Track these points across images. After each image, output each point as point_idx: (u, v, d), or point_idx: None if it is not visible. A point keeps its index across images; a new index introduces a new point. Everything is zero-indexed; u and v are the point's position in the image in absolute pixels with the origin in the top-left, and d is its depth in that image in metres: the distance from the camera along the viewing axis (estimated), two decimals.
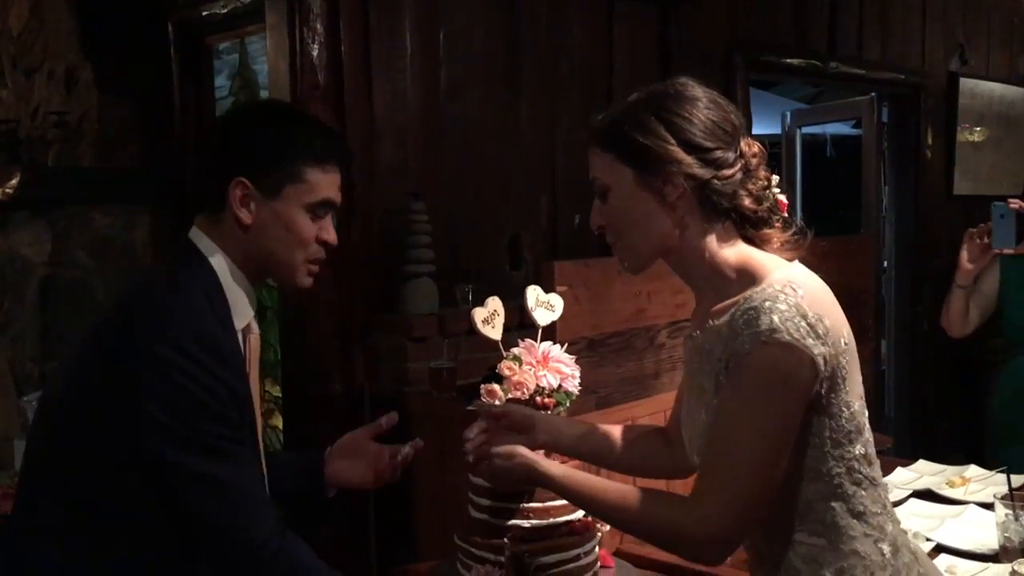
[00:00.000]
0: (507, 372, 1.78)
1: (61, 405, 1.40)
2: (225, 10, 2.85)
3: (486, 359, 2.09)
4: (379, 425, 1.73)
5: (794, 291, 1.24)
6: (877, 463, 1.36)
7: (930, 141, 4.61)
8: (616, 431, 1.62)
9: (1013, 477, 2.19)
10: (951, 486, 2.45)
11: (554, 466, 1.41)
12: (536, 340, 1.86)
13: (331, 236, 1.51)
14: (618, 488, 1.34)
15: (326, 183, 1.48)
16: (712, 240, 1.32)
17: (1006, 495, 2.07)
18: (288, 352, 2.72)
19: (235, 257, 1.46)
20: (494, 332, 1.85)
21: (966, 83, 4.74)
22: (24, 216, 3.26)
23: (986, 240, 2.57)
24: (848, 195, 5.07)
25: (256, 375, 1.51)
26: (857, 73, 4.19)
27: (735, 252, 1.32)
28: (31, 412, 2.36)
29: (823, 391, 1.26)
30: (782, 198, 1.37)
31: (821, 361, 1.23)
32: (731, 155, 1.31)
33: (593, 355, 2.32)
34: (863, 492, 1.32)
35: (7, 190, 3.08)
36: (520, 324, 2.12)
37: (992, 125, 4.91)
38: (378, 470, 1.69)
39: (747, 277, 1.30)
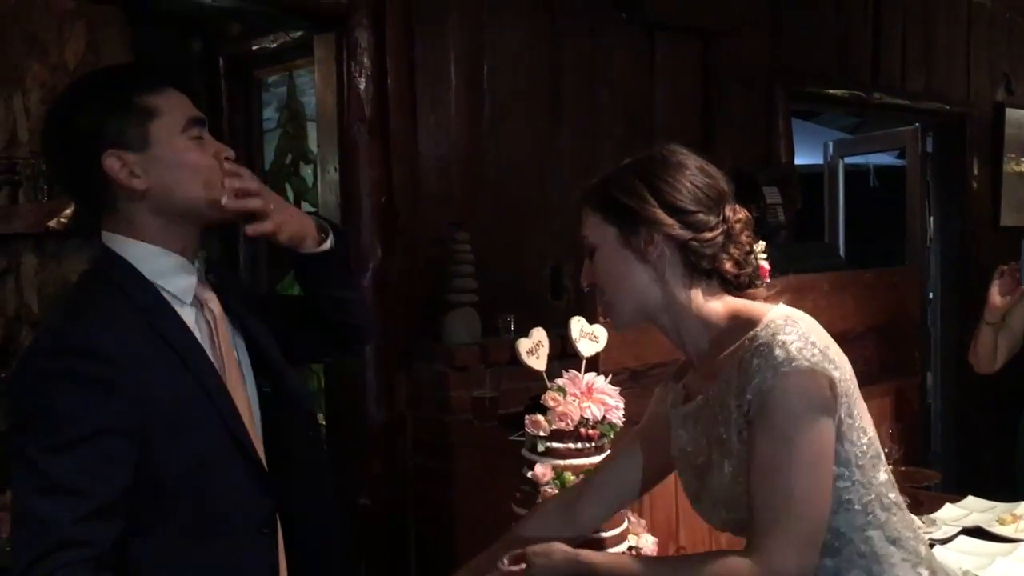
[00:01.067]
0: (551, 403, 1.79)
1: None
2: (274, 44, 2.92)
3: (528, 389, 2.10)
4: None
5: (796, 324, 1.28)
6: (896, 489, 1.38)
7: (975, 171, 4.56)
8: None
9: None
10: (1002, 523, 2.41)
11: (595, 554, 1.43)
12: (579, 371, 1.87)
13: (225, 149, 1.37)
14: (665, 560, 1.36)
15: (179, 102, 1.35)
16: (697, 295, 1.37)
17: None
18: (331, 379, 2.74)
19: (149, 233, 1.34)
20: (538, 363, 1.86)
21: (1012, 113, 4.69)
22: (77, 244, 3.34)
23: (1016, 277, 2.55)
24: (892, 226, 5.03)
25: (226, 343, 1.41)
26: (901, 103, 4.17)
27: (722, 303, 1.37)
28: None
29: (842, 415, 1.29)
30: (765, 264, 1.41)
31: (840, 382, 1.27)
32: (713, 219, 1.35)
33: (636, 386, 2.31)
34: (895, 517, 1.33)
35: (61, 219, 3.16)
36: (562, 354, 2.13)
37: None
38: None
39: (743, 322, 1.33)
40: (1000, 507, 2.53)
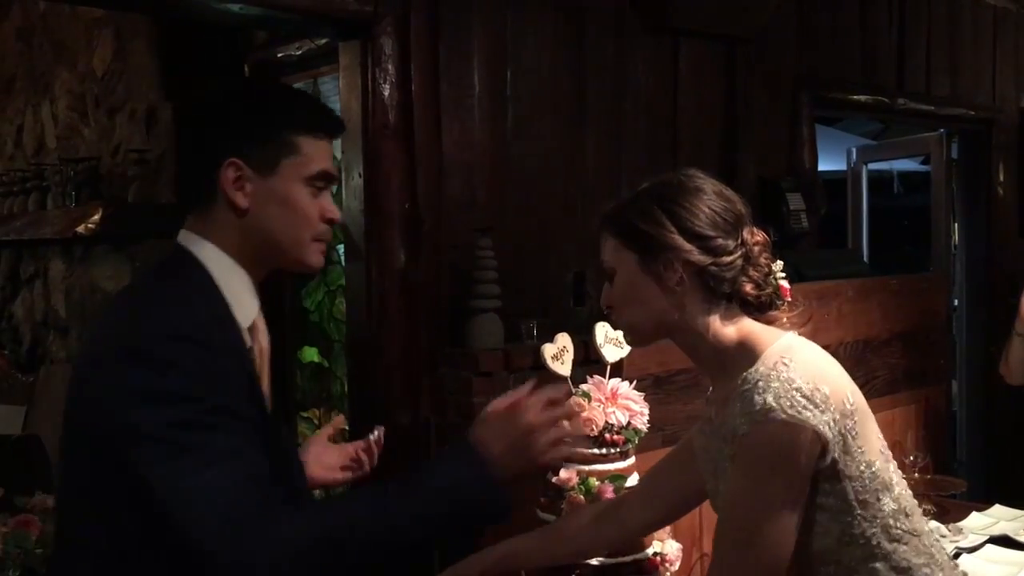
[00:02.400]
0: (576, 408, 1.79)
1: (66, 428, 1.34)
2: (300, 51, 2.94)
3: None
4: (369, 443, 1.70)
5: (786, 366, 1.30)
6: (916, 513, 1.37)
7: (1001, 178, 4.53)
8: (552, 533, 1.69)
9: None
10: None
11: None
12: (604, 376, 1.87)
13: (334, 212, 1.40)
14: None
15: (322, 153, 1.37)
16: (714, 320, 1.38)
17: None
18: (355, 385, 2.76)
19: (232, 250, 1.34)
20: (563, 368, 1.86)
21: None
22: (105, 250, 3.38)
23: None
24: (916, 232, 4.99)
25: (267, 382, 1.41)
26: (925, 109, 4.14)
27: (736, 329, 1.38)
28: None
29: (836, 456, 1.29)
30: (785, 284, 1.43)
31: (825, 429, 1.27)
32: (731, 243, 1.38)
33: (660, 392, 2.31)
34: (904, 547, 1.33)
35: (89, 225, 3.20)
36: (585, 360, 2.13)
37: None
38: (351, 455, 1.67)
39: (746, 352, 1.36)
40: None
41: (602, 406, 1.80)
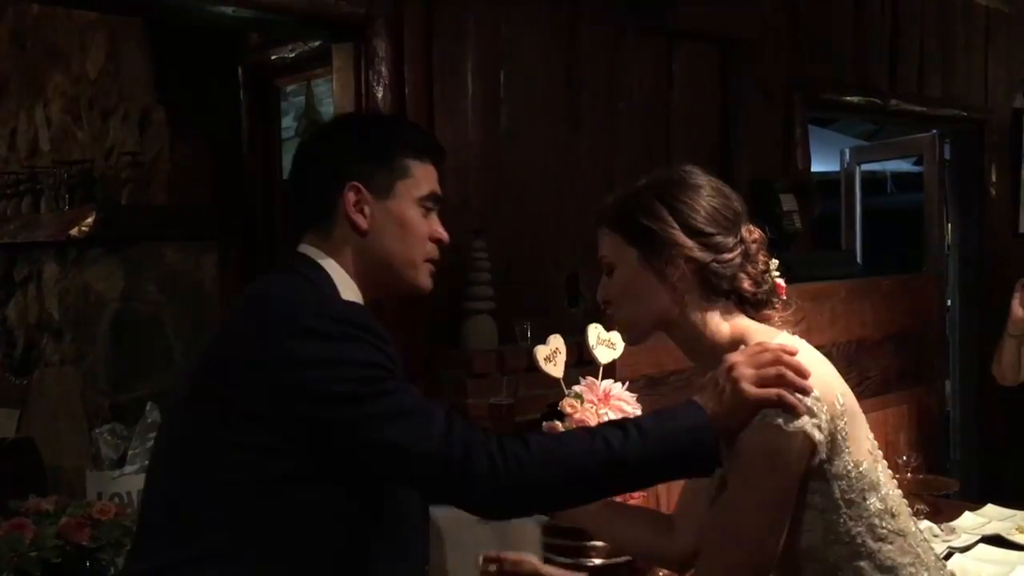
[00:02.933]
0: (569, 410, 1.80)
1: (198, 432, 1.34)
2: (293, 54, 2.94)
3: (544, 396, 2.11)
4: None
5: None
6: (904, 513, 1.38)
7: (994, 178, 4.54)
8: (624, 513, 1.67)
9: None
10: (1021, 532, 2.40)
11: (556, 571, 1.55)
12: (597, 378, 1.88)
13: (443, 233, 1.51)
14: None
15: (430, 176, 1.50)
16: (713, 316, 1.39)
17: None
18: None
19: (349, 269, 1.44)
20: (556, 370, 1.87)
21: None
22: (98, 253, 3.38)
23: None
24: (909, 233, 5.01)
25: None
26: (918, 110, 4.15)
27: (731, 326, 1.39)
28: (103, 444, 2.42)
29: (825, 457, 1.30)
30: (780, 282, 1.44)
31: (816, 432, 1.28)
32: (731, 240, 1.38)
33: (653, 393, 2.32)
34: (889, 546, 1.34)
35: (83, 228, 3.20)
36: (578, 361, 2.14)
37: None
38: None
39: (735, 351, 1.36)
40: (1020, 515, 2.53)
41: (595, 407, 1.80)
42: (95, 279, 3.36)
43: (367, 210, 1.43)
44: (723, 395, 1.29)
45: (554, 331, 2.01)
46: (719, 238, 1.38)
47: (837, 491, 1.31)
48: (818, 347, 2.06)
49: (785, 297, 1.45)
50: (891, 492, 1.37)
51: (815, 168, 3.73)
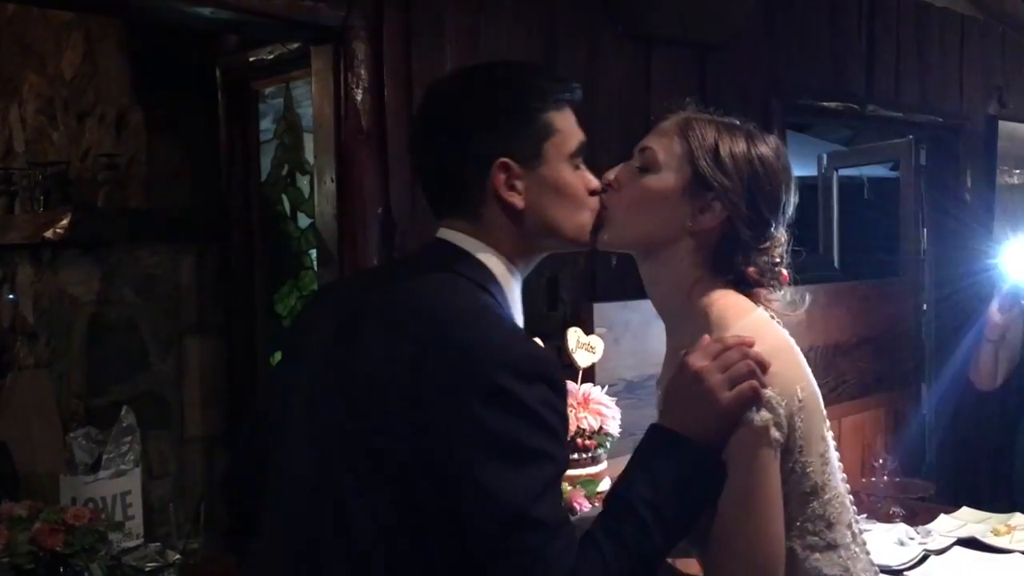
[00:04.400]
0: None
1: (352, 471, 1.13)
2: (271, 56, 2.93)
3: None
4: None
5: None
6: (841, 524, 1.31)
7: (969, 184, 4.59)
8: None
9: None
10: (996, 534, 2.42)
11: None
12: (576, 381, 1.88)
13: (597, 181, 1.34)
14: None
15: (573, 124, 1.32)
16: (703, 276, 1.33)
17: None
18: None
19: (509, 252, 1.27)
20: None
21: (1005, 126, 4.71)
22: (73, 255, 3.34)
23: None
24: (886, 238, 5.05)
25: None
26: (894, 116, 4.19)
27: (712, 297, 1.32)
28: (77, 448, 2.40)
29: (777, 455, 1.24)
30: (785, 272, 1.39)
31: (775, 430, 1.22)
32: (771, 231, 1.35)
33: (632, 397, 2.32)
34: (816, 555, 1.29)
35: (58, 230, 3.17)
36: (559, 364, 2.14)
37: None
38: None
39: (714, 318, 1.30)
40: (995, 518, 2.55)
41: (574, 411, 1.80)
42: (70, 282, 3.32)
43: (519, 185, 1.24)
44: (697, 409, 1.18)
45: (533, 334, 2.01)
46: (767, 226, 1.34)
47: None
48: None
49: (785, 286, 1.39)
50: (834, 500, 1.30)
51: (794, 173, 3.75)
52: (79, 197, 3.44)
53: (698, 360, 1.21)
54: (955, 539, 2.38)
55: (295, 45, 2.77)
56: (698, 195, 1.31)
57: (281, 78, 3.13)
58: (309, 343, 1.27)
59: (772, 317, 1.35)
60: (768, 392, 1.22)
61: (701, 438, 1.18)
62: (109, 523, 2.15)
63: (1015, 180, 4.80)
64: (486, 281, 1.23)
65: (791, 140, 3.74)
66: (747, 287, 1.35)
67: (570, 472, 1.80)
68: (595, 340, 1.94)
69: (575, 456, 1.79)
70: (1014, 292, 2.59)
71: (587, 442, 1.79)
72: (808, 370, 1.32)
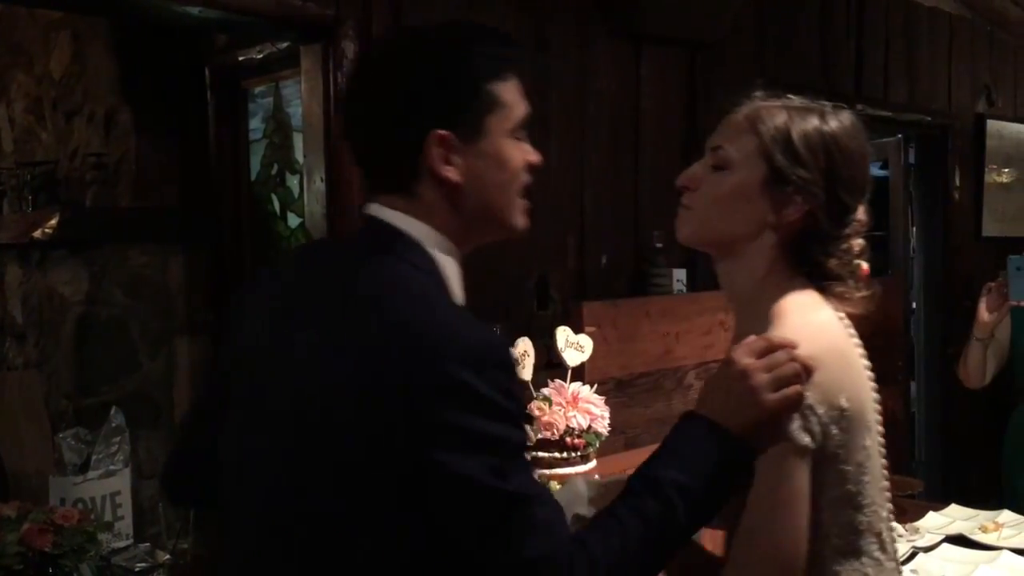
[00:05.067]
0: (537, 412, 1.80)
1: (314, 454, 1.11)
2: (261, 55, 2.92)
3: None
4: None
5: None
6: (870, 533, 1.30)
7: (958, 182, 4.61)
8: None
9: None
10: (984, 531, 2.43)
11: None
12: (565, 380, 1.88)
13: (537, 154, 1.24)
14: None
15: (519, 95, 1.21)
16: (779, 270, 1.29)
17: None
18: None
19: (446, 231, 1.19)
20: (524, 372, 1.87)
21: (993, 125, 4.73)
22: (62, 255, 3.34)
23: (1003, 292, 2.59)
24: (874, 236, 5.06)
25: None
26: (883, 115, 4.20)
27: (788, 289, 1.28)
28: (66, 449, 2.39)
29: (818, 460, 1.22)
30: (865, 266, 1.34)
31: (803, 437, 1.19)
32: (852, 217, 1.30)
33: (622, 396, 2.33)
34: (840, 560, 1.28)
35: (46, 230, 3.16)
36: (547, 364, 2.14)
37: (1020, 166, 4.89)
38: None
39: (777, 312, 1.26)
40: (983, 515, 2.56)
41: (563, 410, 1.80)
42: (59, 282, 3.31)
43: (457, 160, 1.15)
44: (740, 406, 1.14)
45: (523, 334, 2.01)
46: (848, 212, 1.29)
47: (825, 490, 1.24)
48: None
49: (863, 282, 1.33)
50: (867, 507, 1.28)
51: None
52: (68, 197, 3.43)
53: (744, 356, 1.16)
54: (943, 536, 2.39)
55: (284, 44, 2.76)
56: (777, 190, 1.27)
57: (270, 77, 3.12)
58: (249, 335, 1.23)
59: (841, 318, 1.31)
60: (806, 396, 1.18)
61: (739, 434, 1.13)
62: (98, 524, 2.14)
63: (1003, 178, 4.83)
64: (426, 263, 1.16)
65: None
66: (823, 281, 1.30)
67: (560, 471, 1.80)
68: (584, 339, 1.94)
69: (565, 455, 1.79)
70: (1003, 290, 2.60)
71: (576, 441, 1.79)
72: (861, 378, 1.28)
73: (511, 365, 1.14)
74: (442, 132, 1.14)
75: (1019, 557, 2.18)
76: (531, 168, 1.23)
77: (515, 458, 1.07)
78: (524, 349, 1.89)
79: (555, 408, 1.81)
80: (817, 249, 1.28)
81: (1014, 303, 2.57)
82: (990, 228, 4.73)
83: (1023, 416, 2.98)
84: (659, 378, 2.51)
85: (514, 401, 1.09)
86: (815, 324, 1.26)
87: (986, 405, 4.28)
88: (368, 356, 1.07)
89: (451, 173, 1.15)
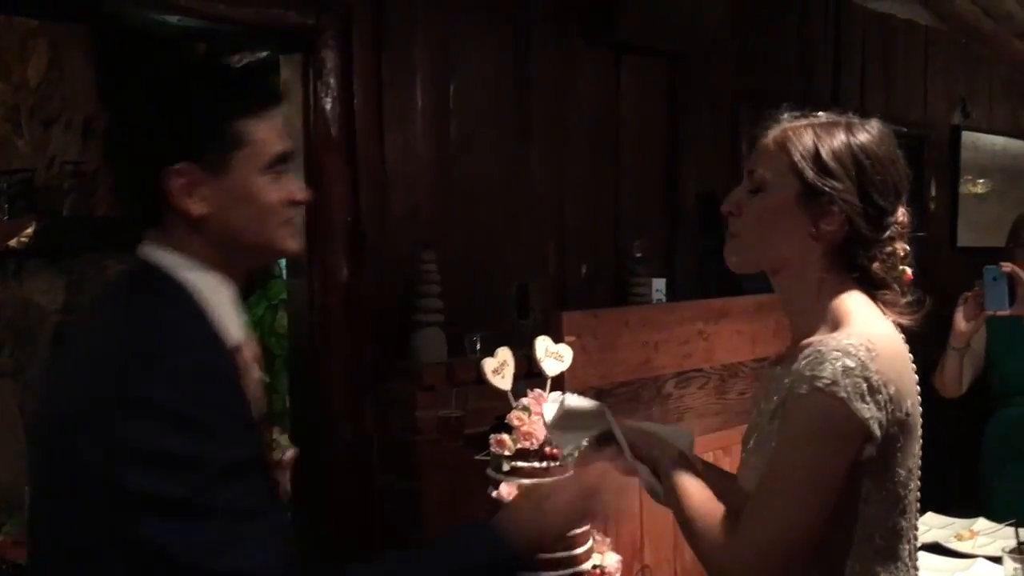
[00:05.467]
0: (516, 422, 1.80)
1: (48, 452, 1.17)
2: (240, 64, 2.91)
3: (494, 408, 2.11)
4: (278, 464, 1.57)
5: (868, 351, 1.24)
6: (904, 539, 1.35)
7: (933, 192, 4.65)
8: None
9: (1021, 531, 2.19)
10: (960, 539, 2.45)
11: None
12: (545, 390, 1.88)
13: (302, 192, 1.28)
14: (704, 498, 1.34)
15: (274, 133, 1.23)
16: (831, 282, 1.34)
17: (1015, 549, 2.07)
18: (297, 400, 2.73)
19: (203, 259, 1.21)
20: (504, 382, 1.87)
21: (968, 136, 4.79)
22: (39, 264, 3.31)
23: (979, 302, 2.61)
24: None
25: (259, 408, 1.30)
26: None
27: (841, 298, 1.33)
28: None
29: (876, 456, 1.26)
30: (909, 271, 1.40)
31: (875, 426, 1.23)
32: (890, 220, 1.35)
33: None
34: (879, 563, 1.32)
35: (22, 238, 3.13)
36: (528, 373, 2.14)
37: (995, 177, 4.95)
38: None
39: (835, 322, 1.31)
40: (959, 523, 2.58)
41: (542, 420, 1.80)
42: (35, 291, 3.29)
43: (202, 193, 1.17)
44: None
45: (504, 343, 2.01)
46: (886, 213, 1.34)
47: (873, 495, 1.29)
48: (762, 359, 2.09)
49: (908, 287, 1.40)
50: (907, 512, 1.35)
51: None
52: (45, 205, 3.40)
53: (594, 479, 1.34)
54: (919, 544, 2.41)
55: (264, 53, 2.76)
56: (814, 202, 1.32)
57: None
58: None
59: (897, 326, 1.37)
60: (885, 391, 1.24)
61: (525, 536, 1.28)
62: None
63: (979, 189, 4.88)
64: (173, 290, 1.19)
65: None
66: (872, 287, 1.36)
67: (539, 480, 1.80)
68: (564, 349, 1.95)
69: (544, 465, 1.79)
70: (979, 300, 2.62)
71: (554, 450, 1.79)
72: (915, 388, 1.34)
73: (219, 383, 1.14)
74: (179, 167, 1.16)
75: (994, 565, 2.20)
76: (294, 203, 1.26)
77: (221, 476, 1.08)
78: (504, 359, 1.89)
79: (534, 418, 1.81)
80: (861, 254, 1.34)
81: (990, 313, 2.60)
82: (965, 238, 4.78)
83: (999, 425, 3.01)
84: (638, 388, 2.52)
85: (218, 411, 1.11)
86: (884, 332, 1.32)
87: (962, 414, 4.31)
88: (74, 380, 1.15)
89: (195, 206, 1.18)
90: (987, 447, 3.03)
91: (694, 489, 1.34)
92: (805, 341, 1.31)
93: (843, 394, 1.21)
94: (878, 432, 1.24)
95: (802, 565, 1.25)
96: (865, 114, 1.42)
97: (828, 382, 1.21)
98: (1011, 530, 2.25)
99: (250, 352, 1.29)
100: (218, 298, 1.22)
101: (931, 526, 2.58)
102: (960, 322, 2.71)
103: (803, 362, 1.25)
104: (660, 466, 1.38)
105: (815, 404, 1.22)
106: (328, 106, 2.45)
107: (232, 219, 1.20)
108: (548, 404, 1.53)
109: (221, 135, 1.18)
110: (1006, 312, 2.53)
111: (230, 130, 1.19)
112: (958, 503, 2.90)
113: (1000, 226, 4.88)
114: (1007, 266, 2.52)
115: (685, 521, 1.33)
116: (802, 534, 1.22)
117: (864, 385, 1.22)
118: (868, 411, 1.22)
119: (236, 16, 2.30)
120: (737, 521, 1.27)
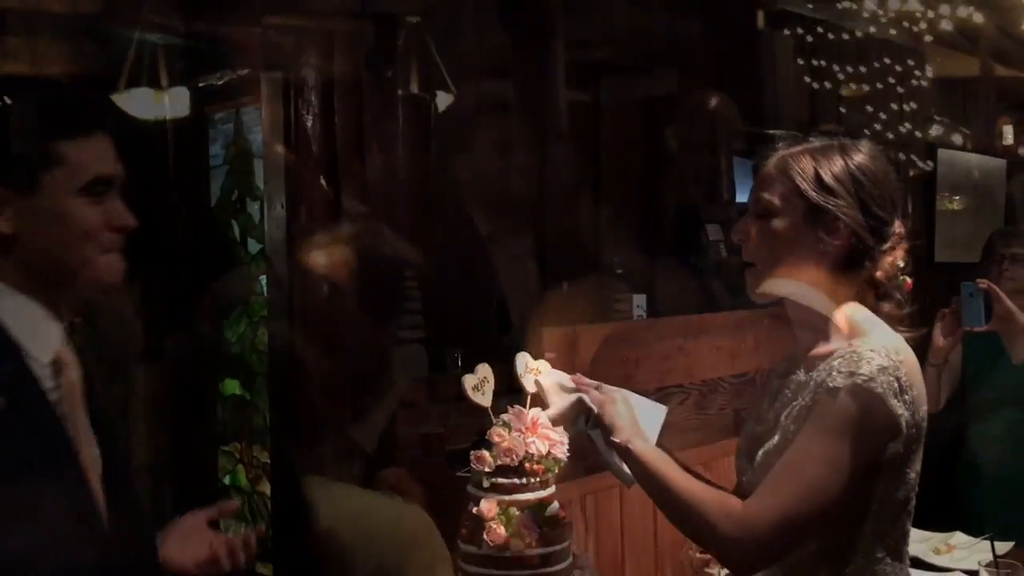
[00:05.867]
0: (496, 439, 1.80)
1: None
2: (221, 81, 2.92)
3: (475, 424, 2.11)
4: (217, 510, 1.52)
5: (893, 360, 1.33)
6: (905, 541, 1.42)
7: (910, 209, 4.70)
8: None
9: (997, 544, 2.21)
10: (937, 553, 2.46)
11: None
12: (525, 406, 1.88)
13: (125, 218, 1.24)
14: (685, 475, 1.40)
15: (92, 155, 1.20)
16: (839, 290, 1.42)
17: (991, 562, 2.08)
18: (277, 417, 2.72)
19: (11, 278, 1.18)
20: (484, 399, 1.87)
21: (944, 153, 4.84)
22: None
23: (957, 318, 2.64)
24: None
25: (81, 413, 1.29)
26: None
27: (851, 309, 1.42)
28: None
29: (901, 451, 1.34)
30: (909, 280, 1.48)
31: (904, 424, 1.32)
32: (890, 230, 1.43)
33: None
34: (888, 563, 1.38)
35: None
36: (509, 389, 2.14)
37: (970, 194, 5.01)
38: (208, 554, 1.44)
39: (854, 331, 1.39)
40: (937, 537, 2.59)
41: (522, 436, 1.80)
42: None
43: (8, 212, 1.14)
44: None
45: (485, 359, 2.01)
46: (885, 223, 1.41)
47: (889, 495, 1.35)
48: (742, 375, 2.10)
49: (907, 296, 1.48)
50: (910, 513, 1.41)
51: (741, 198, 3.82)
52: None
53: None
54: None
55: (246, 71, 2.76)
56: (820, 220, 1.40)
57: (231, 104, 3.12)
58: None
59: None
60: (910, 393, 1.32)
61: None
62: None
63: (955, 206, 4.93)
64: None
65: (737, 166, 3.81)
66: (876, 296, 1.44)
67: (519, 496, 1.80)
68: (543, 365, 1.95)
69: (524, 481, 1.79)
70: (956, 316, 2.65)
71: (535, 467, 1.79)
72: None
73: None
74: None
75: None
76: (115, 229, 1.22)
77: None
78: (484, 375, 1.89)
79: (514, 434, 1.81)
80: (866, 264, 1.42)
81: (967, 328, 2.62)
82: (942, 254, 4.82)
83: (976, 439, 3.04)
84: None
85: None
86: (901, 342, 1.40)
87: (939, 429, 4.34)
88: None
89: (1, 225, 1.15)
90: (963, 462, 3.05)
91: (681, 475, 1.40)
92: (826, 348, 1.39)
93: (880, 390, 1.29)
94: (904, 430, 1.32)
95: (810, 561, 1.33)
96: (842, 132, 1.48)
97: (866, 378, 1.30)
98: (988, 544, 2.26)
99: (72, 370, 1.28)
100: (21, 314, 1.19)
101: (911, 540, 2.59)
102: (939, 338, 2.73)
103: (837, 361, 1.33)
104: (634, 448, 1.47)
105: (854, 398, 1.30)
106: (309, 124, 2.46)
107: (42, 240, 1.17)
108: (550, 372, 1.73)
109: (29, 153, 1.16)
110: (983, 328, 2.56)
111: (40, 149, 1.16)
112: (935, 517, 2.92)
113: (976, 241, 4.96)
114: (983, 283, 2.55)
115: (680, 504, 1.38)
116: (820, 514, 1.29)
117: (896, 384, 1.31)
118: (900, 408, 1.31)
119: (217, 35, 2.31)
120: (741, 506, 1.32)
